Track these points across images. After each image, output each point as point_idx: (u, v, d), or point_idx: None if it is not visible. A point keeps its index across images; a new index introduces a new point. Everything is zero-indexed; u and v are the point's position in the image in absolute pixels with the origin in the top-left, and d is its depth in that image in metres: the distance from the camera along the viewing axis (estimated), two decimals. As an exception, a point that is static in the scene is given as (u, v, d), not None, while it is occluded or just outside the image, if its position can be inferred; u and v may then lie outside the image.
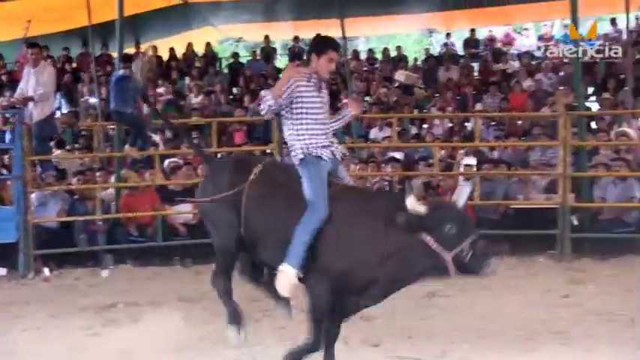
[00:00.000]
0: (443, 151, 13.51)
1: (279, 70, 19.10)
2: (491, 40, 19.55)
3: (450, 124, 15.43)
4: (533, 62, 18.00)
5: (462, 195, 6.25)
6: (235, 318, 6.32)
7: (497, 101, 16.22)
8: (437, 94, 17.31)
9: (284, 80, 6.11)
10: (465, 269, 5.78)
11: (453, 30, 19.98)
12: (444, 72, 18.09)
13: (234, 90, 18.48)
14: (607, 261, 11.30)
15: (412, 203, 5.73)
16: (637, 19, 18.93)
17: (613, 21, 19.05)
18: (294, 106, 6.14)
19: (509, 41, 19.57)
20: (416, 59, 19.67)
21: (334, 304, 6.04)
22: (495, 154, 13.60)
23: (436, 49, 19.97)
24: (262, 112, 6.17)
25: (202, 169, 6.67)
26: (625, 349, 7.27)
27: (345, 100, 6.40)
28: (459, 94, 16.96)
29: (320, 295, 5.99)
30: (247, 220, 6.14)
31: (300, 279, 5.97)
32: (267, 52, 19.86)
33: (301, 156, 6.13)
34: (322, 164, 6.12)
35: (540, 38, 19.35)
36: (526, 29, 19.88)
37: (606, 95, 15.97)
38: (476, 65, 18.85)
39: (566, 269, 11.04)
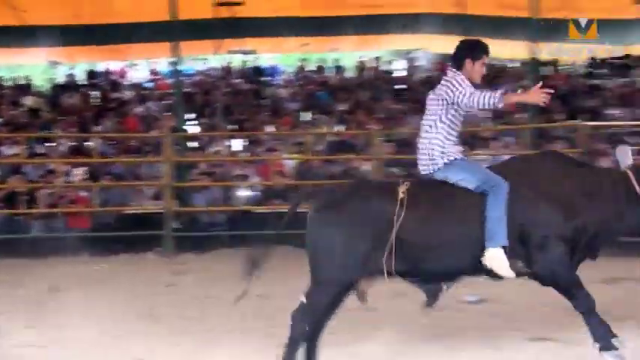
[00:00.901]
0: (65, 167, 14.23)
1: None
2: (109, 72, 20.50)
3: (73, 143, 15.88)
4: (144, 92, 19.31)
5: (625, 154, 5.89)
6: None
7: (114, 124, 17.22)
8: (61, 117, 17.92)
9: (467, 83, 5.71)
10: None
11: (76, 63, 20.59)
12: (67, 98, 18.77)
13: None
14: (203, 255, 12.41)
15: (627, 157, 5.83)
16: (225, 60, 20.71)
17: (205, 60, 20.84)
18: (450, 112, 5.78)
19: (123, 74, 20.63)
20: (43, 87, 20.24)
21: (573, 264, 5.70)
22: (112, 169, 14.44)
23: (61, 79, 20.62)
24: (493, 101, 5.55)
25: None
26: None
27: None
28: (80, 118, 17.69)
29: (560, 262, 5.60)
30: (410, 239, 5.53)
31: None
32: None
33: (445, 161, 5.76)
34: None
35: (151, 72, 20.89)
36: (136, 64, 21.16)
37: (203, 120, 17.56)
38: (96, 94, 19.49)
39: (170, 264, 12.02)
